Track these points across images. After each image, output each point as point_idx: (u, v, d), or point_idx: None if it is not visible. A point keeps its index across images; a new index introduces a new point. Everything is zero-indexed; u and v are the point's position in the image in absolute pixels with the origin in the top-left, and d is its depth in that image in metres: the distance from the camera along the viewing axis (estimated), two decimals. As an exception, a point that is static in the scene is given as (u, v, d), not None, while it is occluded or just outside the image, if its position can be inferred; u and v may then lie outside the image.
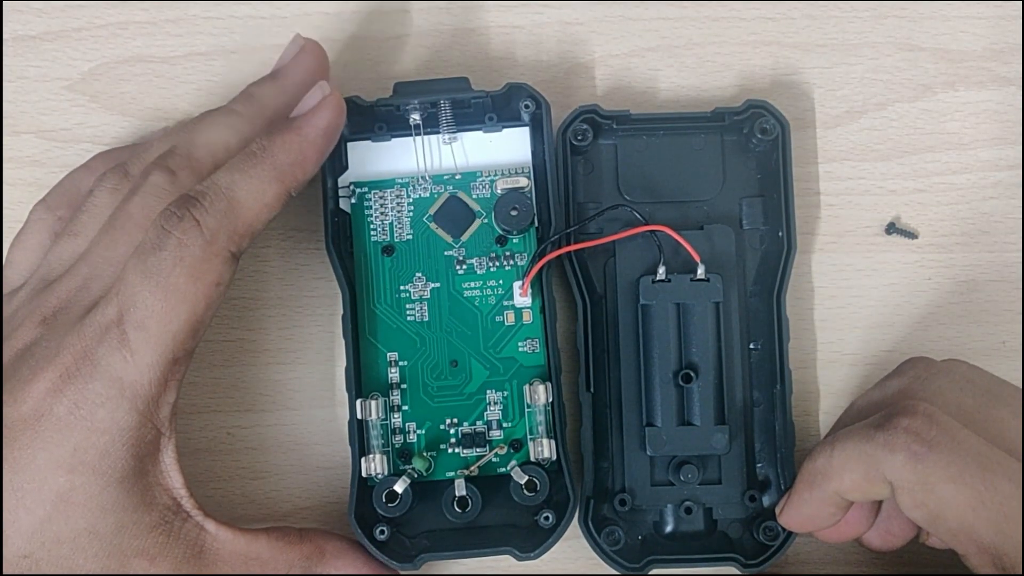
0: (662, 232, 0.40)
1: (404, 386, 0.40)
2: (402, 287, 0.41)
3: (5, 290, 0.39)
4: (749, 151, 0.42)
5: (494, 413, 0.40)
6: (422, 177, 0.41)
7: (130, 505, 0.35)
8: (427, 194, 0.41)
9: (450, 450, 0.40)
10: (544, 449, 0.39)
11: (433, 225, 0.41)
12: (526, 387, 0.40)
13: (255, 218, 0.36)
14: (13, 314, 0.37)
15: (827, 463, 0.36)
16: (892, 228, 0.43)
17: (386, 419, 0.40)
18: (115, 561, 0.34)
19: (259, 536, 0.37)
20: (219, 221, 0.35)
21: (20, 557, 0.34)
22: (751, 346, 0.41)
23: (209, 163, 0.38)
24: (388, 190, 0.41)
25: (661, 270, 0.40)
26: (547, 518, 0.39)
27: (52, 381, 0.34)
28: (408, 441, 0.40)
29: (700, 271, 0.40)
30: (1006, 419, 0.36)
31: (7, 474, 0.34)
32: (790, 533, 0.40)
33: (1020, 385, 0.37)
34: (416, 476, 0.39)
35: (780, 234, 0.41)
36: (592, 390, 0.40)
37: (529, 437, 0.40)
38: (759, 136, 0.41)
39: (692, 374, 0.40)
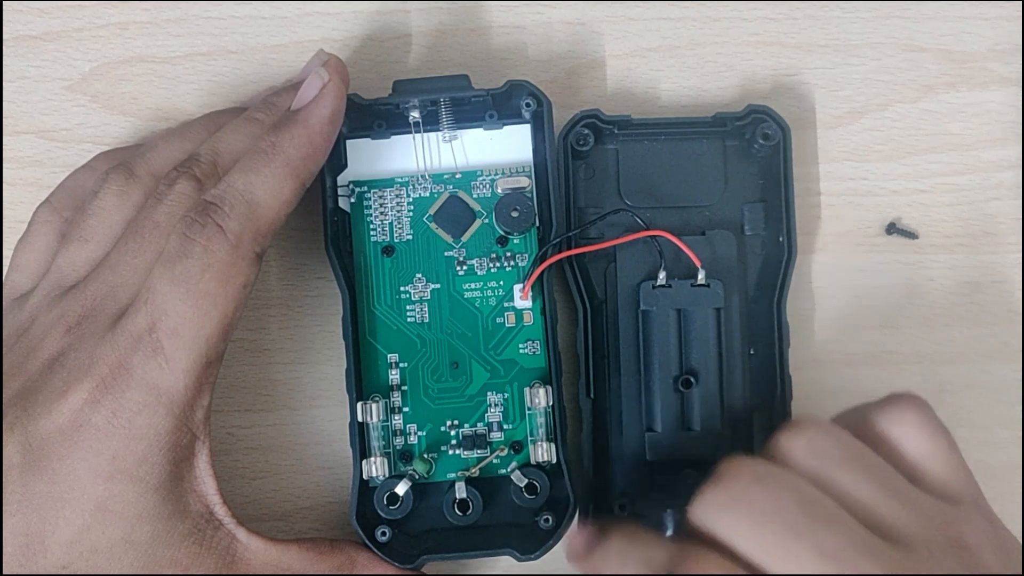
0: (663, 237, 0.39)
1: (405, 388, 0.40)
2: (402, 288, 0.41)
3: (12, 294, 0.39)
4: (751, 156, 0.42)
5: (495, 415, 0.40)
6: (422, 176, 0.41)
7: (165, 513, 0.35)
8: (427, 193, 0.41)
9: (451, 452, 0.40)
10: (544, 452, 0.39)
11: (433, 225, 0.41)
12: (527, 390, 0.40)
13: (275, 216, 0.36)
14: (31, 321, 0.37)
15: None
16: (893, 228, 0.43)
17: (387, 421, 0.40)
18: (149, 572, 0.35)
19: (290, 547, 0.37)
20: (241, 224, 0.35)
21: (58, 568, 0.34)
22: (751, 351, 0.41)
23: None
24: (388, 189, 0.41)
25: (662, 275, 0.40)
26: (547, 520, 0.39)
27: (89, 392, 0.34)
28: (409, 443, 0.40)
29: (701, 276, 0.40)
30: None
31: (46, 486, 0.34)
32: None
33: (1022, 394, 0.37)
34: (417, 478, 0.39)
35: (781, 239, 0.41)
36: (592, 395, 0.40)
37: (530, 439, 0.40)
38: (760, 141, 0.41)
39: (692, 380, 0.40)
